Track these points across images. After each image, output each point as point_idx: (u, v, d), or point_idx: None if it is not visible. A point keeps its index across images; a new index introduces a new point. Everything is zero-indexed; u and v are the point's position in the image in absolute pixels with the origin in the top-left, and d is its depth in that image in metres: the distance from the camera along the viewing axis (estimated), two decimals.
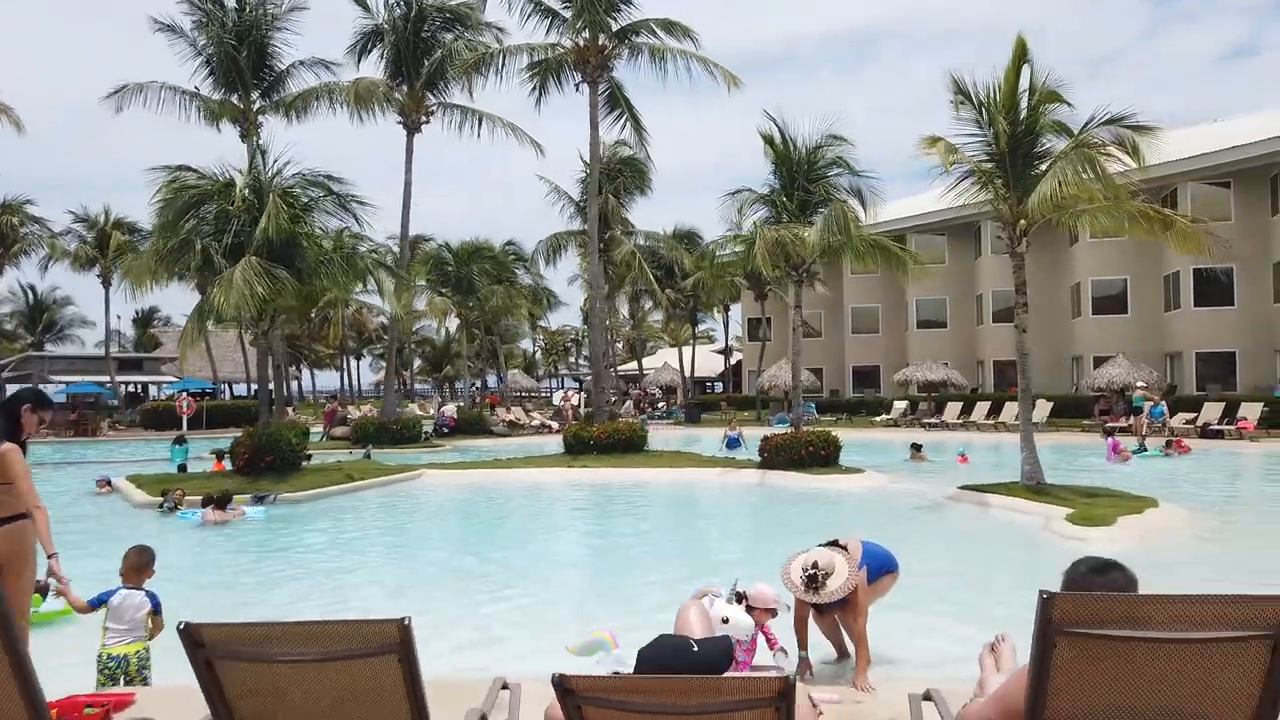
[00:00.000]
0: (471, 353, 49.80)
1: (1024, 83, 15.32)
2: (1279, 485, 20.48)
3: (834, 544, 6.53)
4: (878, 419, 40.88)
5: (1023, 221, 15.32)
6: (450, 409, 35.72)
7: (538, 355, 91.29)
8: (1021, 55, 14.89)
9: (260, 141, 19.45)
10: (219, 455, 20.94)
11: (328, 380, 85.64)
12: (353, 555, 12.54)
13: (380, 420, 30.38)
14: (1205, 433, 28.91)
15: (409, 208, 31.01)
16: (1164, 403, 31.36)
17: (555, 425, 37.18)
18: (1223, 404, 30.22)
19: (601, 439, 24.01)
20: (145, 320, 77.98)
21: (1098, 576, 2.92)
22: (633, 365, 72.00)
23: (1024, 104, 15.28)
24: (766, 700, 2.74)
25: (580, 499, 18.71)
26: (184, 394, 42.51)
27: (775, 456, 20.34)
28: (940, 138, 14.81)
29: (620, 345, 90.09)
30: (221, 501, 14.49)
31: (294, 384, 74.55)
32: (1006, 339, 44.74)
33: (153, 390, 61.49)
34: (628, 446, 24.07)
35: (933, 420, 37.04)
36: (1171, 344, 38.43)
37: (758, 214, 20.92)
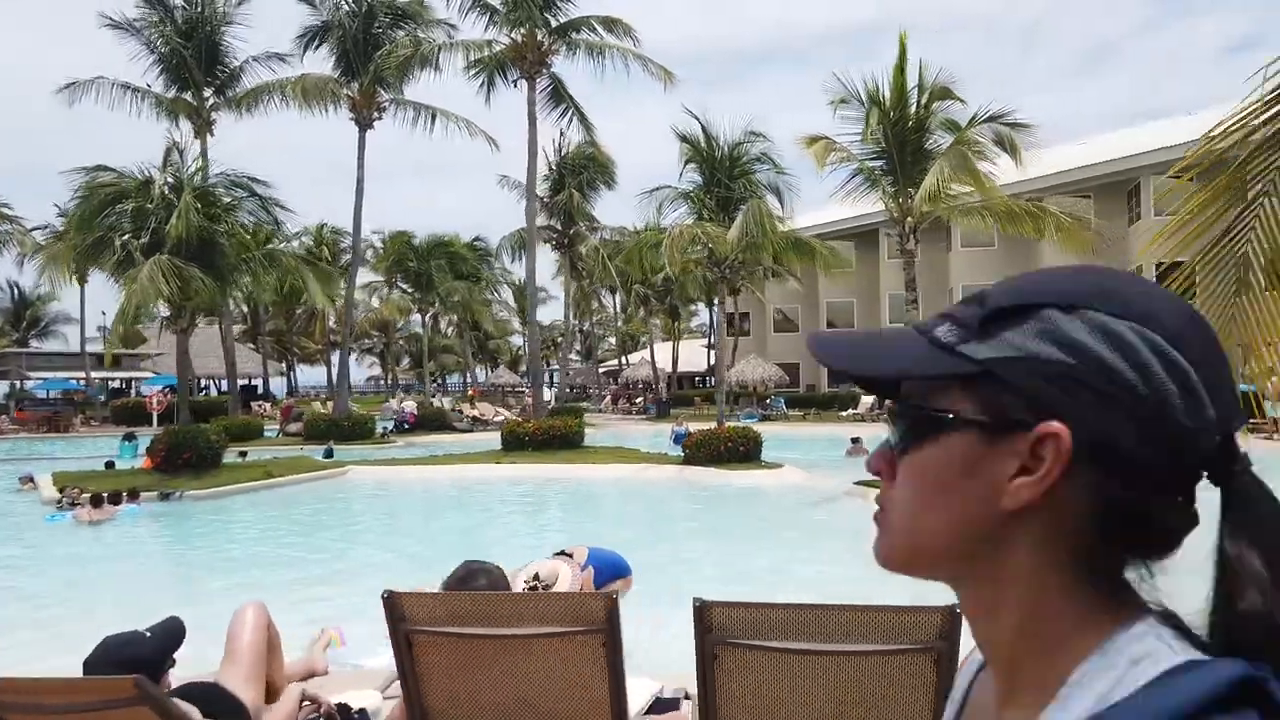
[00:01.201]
0: (460, 348, 50.21)
1: (913, 80, 15.41)
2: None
3: (562, 554, 6.64)
4: (844, 413, 40.94)
5: (909, 219, 15.39)
6: (410, 405, 35.87)
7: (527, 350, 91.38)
8: (904, 54, 14.94)
9: (178, 140, 19.59)
10: (149, 452, 21.14)
11: (319, 376, 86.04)
12: (209, 553, 12.73)
13: (332, 417, 30.57)
14: None
15: (361, 205, 31.15)
16: None
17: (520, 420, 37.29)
18: None
19: (537, 435, 24.15)
20: (135, 319, 78.37)
21: (462, 583, 3.04)
22: (638, 355, 71.84)
23: (914, 101, 15.35)
24: (122, 701, 2.86)
25: (491, 495, 18.88)
26: (155, 390, 42.92)
27: (696, 452, 20.47)
28: (821, 137, 14.87)
29: (613, 340, 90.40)
30: (97, 500, 14.66)
31: (281, 379, 74.99)
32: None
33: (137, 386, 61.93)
34: (563, 443, 24.20)
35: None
36: None
37: (677, 211, 21.01)
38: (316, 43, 30.69)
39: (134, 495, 16.49)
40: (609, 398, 54.68)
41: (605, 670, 2.88)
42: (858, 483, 16.29)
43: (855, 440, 24.84)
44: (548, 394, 45.29)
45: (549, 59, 25.58)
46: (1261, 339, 3.72)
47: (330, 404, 40.10)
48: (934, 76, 15.41)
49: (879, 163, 15.50)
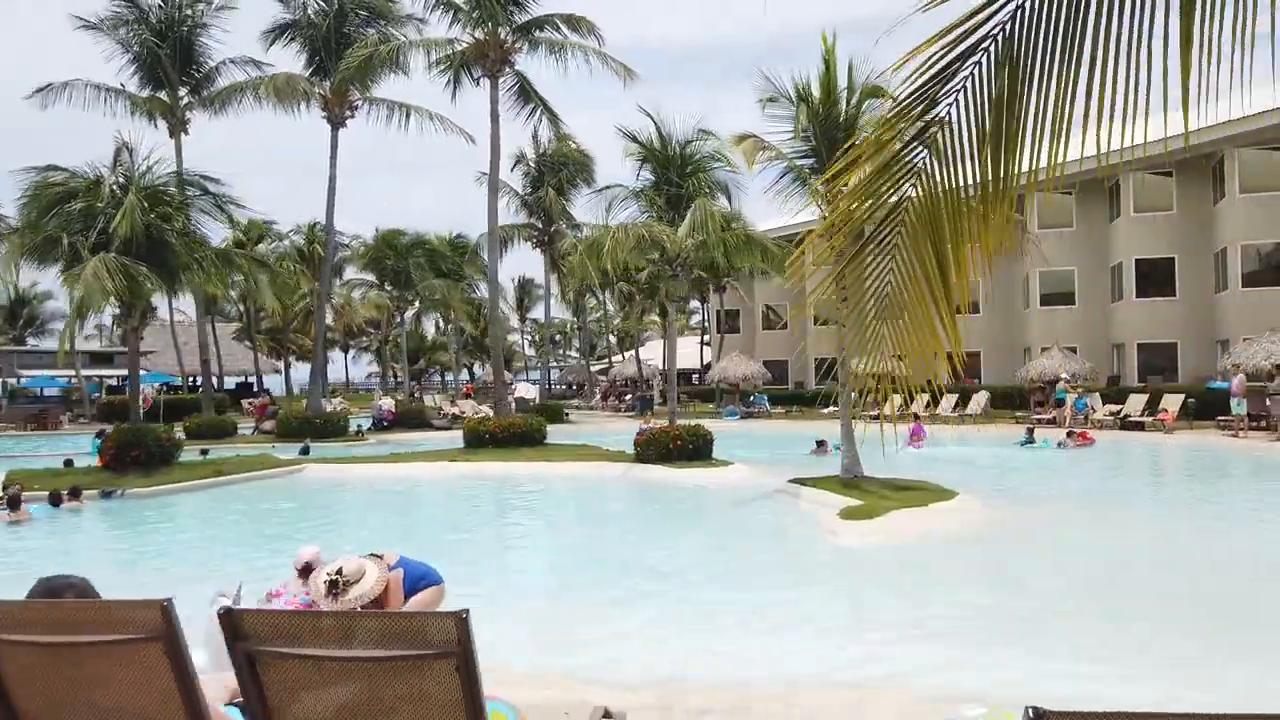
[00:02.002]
0: (450, 345, 50.36)
1: (843, 79, 15.37)
2: (1136, 480, 20.46)
3: (372, 555, 6.66)
4: (825, 410, 40.80)
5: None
6: (388, 402, 35.98)
7: (526, 348, 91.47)
8: (831, 54, 14.92)
9: (127, 140, 19.72)
10: (99, 451, 21.29)
11: (331, 373, 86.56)
12: (123, 552, 12.83)
13: (304, 415, 30.72)
14: (1126, 424, 28.78)
15: (334, 202, 31.27)
16: (1087, 395, 31.25)
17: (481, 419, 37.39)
18: (1146, 396, 30.07)
19: (498, 433, 24.23)
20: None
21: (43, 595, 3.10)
22: (628, 356, 71.79)
23: (843, 100, 15.33)
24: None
25: (434, 492, 19.03)
26: (142, 387, 43.18)
27: (646, 450, 20.51)
28: (750, 135, 14.87)
29: (614, 338, 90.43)
30: (14, 502, 14.74)
31: (279, 377, 75.10)
32: (964, 330, 44.65)
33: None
34: (525, 440, 24.26)
35: (873, 414, 36.89)
36: (1116, 335, 38.26)
37: (628, 211, 21.04)
38: (286, 39, 30.78)
39: (75, 494, 16.65)
40: (600, 395, 54.77)
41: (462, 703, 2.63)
42: (792, 480, 16.35)
43: (820, 442, 24.80)
44: (533, 390, 45.44)
45: (511, 57, 25.61)
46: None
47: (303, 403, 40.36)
48: (865, 76, 15.41)
49: (809, 161, 15.48)
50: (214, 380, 64.50)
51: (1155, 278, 37.14)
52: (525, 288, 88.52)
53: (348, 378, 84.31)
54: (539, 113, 27.68)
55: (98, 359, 58.76)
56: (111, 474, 18.92)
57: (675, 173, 20.34)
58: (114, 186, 19.47)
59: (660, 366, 62.19)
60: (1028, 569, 10.48)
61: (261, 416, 33.81)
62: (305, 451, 26.19)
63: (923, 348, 3.84)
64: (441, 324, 76.64)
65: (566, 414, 41.68)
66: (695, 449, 20.26)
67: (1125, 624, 8.00)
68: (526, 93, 27.08)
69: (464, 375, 74.79)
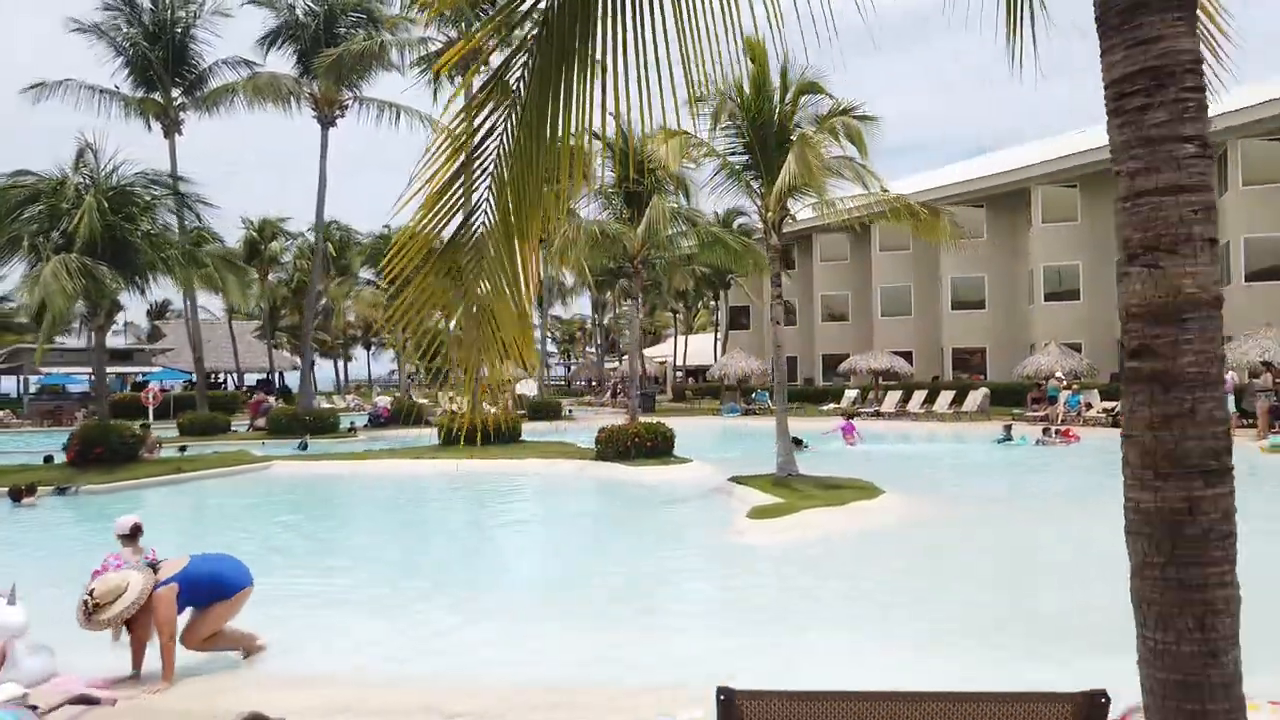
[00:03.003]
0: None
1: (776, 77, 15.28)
2: (1096, 478, 20.08)
3: (151, 565, 6.68)
4: (825, 408, 40.51)
5: (770, 214, 15.26)
6: (384, 400, 36.30)
7: (548, 344, 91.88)
8: (762, 53, 14.80)
9: (90, 141, 20.05)
10: (65, 447, 21.69)
11: (357, 371, 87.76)
12: (24, 550, 13.08)
13: (294, 412, 31.11)
14: (1119, 421, 28.21)
15: (324, 200, 31.70)
16: (1083, 392, 30.76)
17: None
18: None
19: (471, 432, 24.30)
20: (159, 313, 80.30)
21: None
22: (655, 350, 71.83)
23: (776, 97, 15.24)
24: None
25: (392, 490, 19.24)
26: (150, 385, 44.01)
27: (605, 448, 20.53)
28: (680, 131, 14.80)
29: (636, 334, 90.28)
30: None
31: (296, 373, 76.03)
32: (967, 326, 44.16)
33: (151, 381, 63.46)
34: (497, 438, 24.34)
35: (867, 410, 36.63)
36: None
37: (588, 208, 21.03)
38: (279, 43, 31.19)
39: (30, 490, 17.04)
40: (609, 392, 54.89)
41: None
42: (731, 479, 16.28)
43: (797, 441, 24.60)
44: (531, 386, 45.56)
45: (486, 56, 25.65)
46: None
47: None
48: (801, 73, 15.30)
49: (744, 158, 15.41)
50: (234, 377, 65.99)
51: None
52: (546, 285, 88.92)
53: (370, 373, 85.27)
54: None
55: (116, 356, 59.79)
56: (75, 470, 19.31)
57: (635, 170, 20.24)
58: (78, 187, 19.84)
59: (674, 362, 62.24)
60: (906, 567, 10.38)
61: (255, 414, 34.27)
62: (303, 447, 26.78)
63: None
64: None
65: (569, 411, 41.80)
66: (653, 446, 20.24)
67: (951, 620, 7.91)
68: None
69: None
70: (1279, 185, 32.75)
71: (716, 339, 64.01)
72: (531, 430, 27.77)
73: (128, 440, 20.36)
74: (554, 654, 7.30)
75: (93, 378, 54.38)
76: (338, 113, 31.85)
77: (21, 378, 54.58)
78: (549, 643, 7.64)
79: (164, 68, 31.92)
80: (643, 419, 21.45)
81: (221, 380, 67.75)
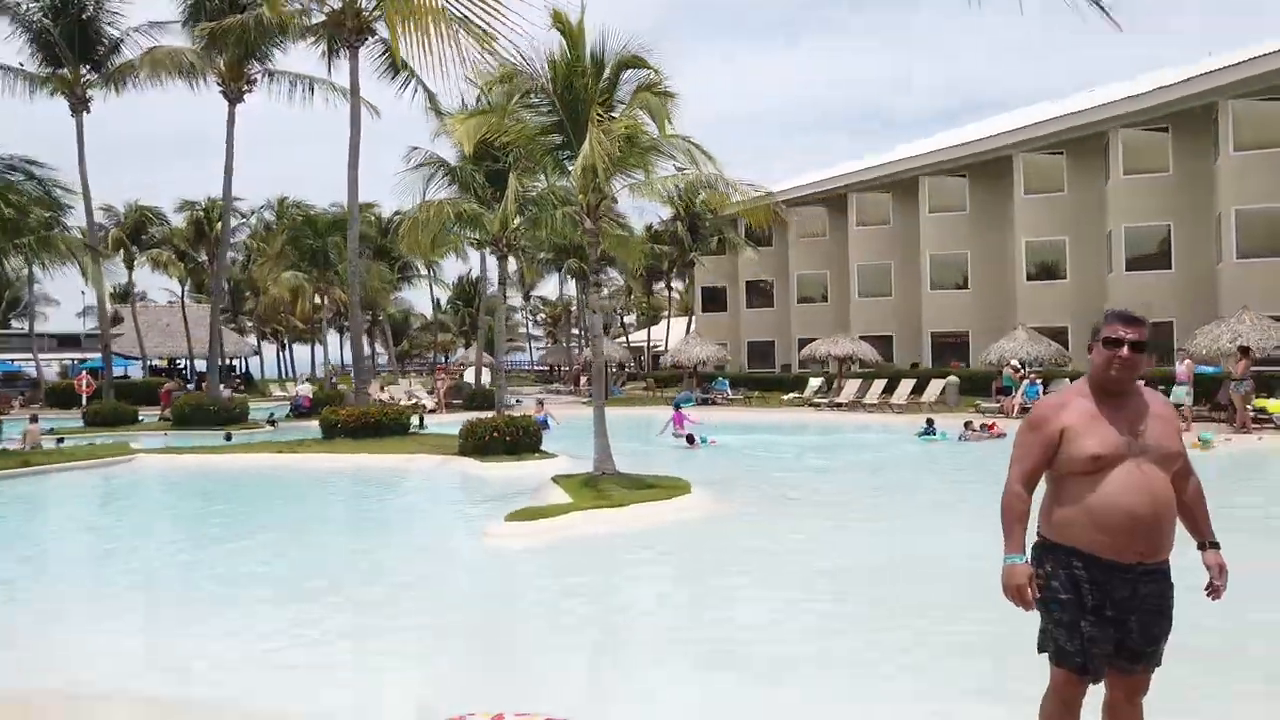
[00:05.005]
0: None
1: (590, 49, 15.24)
2: (983, 476, 19.93)
3: None
4: (786, 397, 40.35)
5: (586, 197, 15.26)
6: (305, 388, 36.67)
7: (529, 327, 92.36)
8: (580, 27, 14.82)
9: None
10: None
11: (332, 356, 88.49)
12: None
13: (198, 402, 31.54)
14: None
15: (231, 178, 31.96)
16: (1054, 382, 30.35)
17: (429, 405, 37.90)
18: None
19: (350, 423, 24.59)
20: (123, 297, 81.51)
21: None
22: (640, 336, 72.01)
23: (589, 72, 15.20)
24: None
25: (220, 486, 19.29)
26: (84, 373, 44.89)
27: (465, 442, 20.68)
28: (476, 113, 14.82)
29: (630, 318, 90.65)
30: None
31: (256, 359, 76.85)
32: (948, 310, 43.74)
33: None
34: (380, 430, 24.57)
35: (823, 401, 36.41)
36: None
37: (449, 189, 21.12)
38: (196, 19, 31.31)
39: None
40: (574, 379, 55.22)
41: None
42: (556, 478, 16.33)
43: (689, 438, 24.29)
44: (487, 375, 45.87)
45: (373, 25, 25.76)
46: None
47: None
48: (623, 45, 15.27)
49: (555, 137, 15.41)
50: (189, 363, 66.91)
51: (1147, 248, 36.25)
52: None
53: (341, 359, 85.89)
54: (413, 84, 27.88)
55: (65, 342, 60.97)
56: None
57: (494, 148, 20.30)
58: None
59: (649, 346, 62.36)
60: (626, 575, 10.42)
61: (166, 404, 34.74)
62: (228, 438, 27.22)
63: None
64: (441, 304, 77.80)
65: (517, 399, 41.95)
66: (514, 441, 20.34)
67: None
68: (394, 63, 27.27)
69: (457, 356, 75.67)
70: (1276, 150, 31.89)
71: (689, 322, 64.03)
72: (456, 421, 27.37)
73: None
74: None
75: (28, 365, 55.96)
76: (246, 88, 32.09)
77: None
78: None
79: (69, 43, 32.33)
80: (509, 414, 21.59)
81: (183, 367, 68.72)
